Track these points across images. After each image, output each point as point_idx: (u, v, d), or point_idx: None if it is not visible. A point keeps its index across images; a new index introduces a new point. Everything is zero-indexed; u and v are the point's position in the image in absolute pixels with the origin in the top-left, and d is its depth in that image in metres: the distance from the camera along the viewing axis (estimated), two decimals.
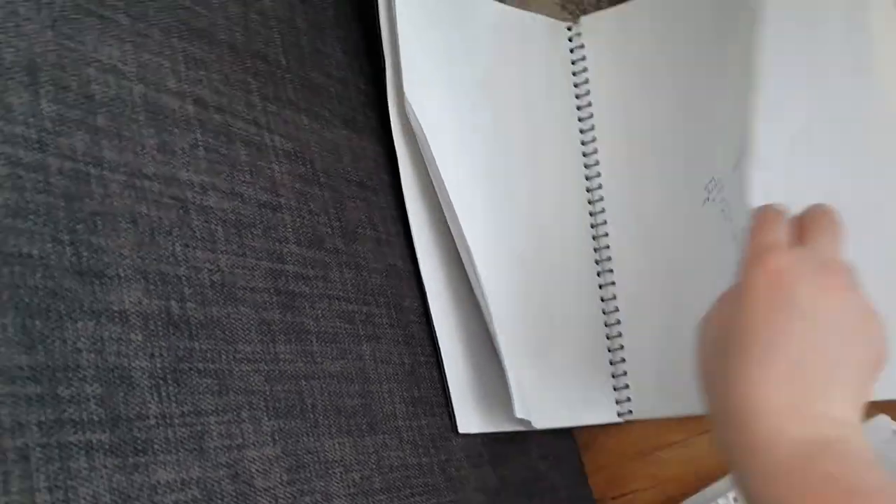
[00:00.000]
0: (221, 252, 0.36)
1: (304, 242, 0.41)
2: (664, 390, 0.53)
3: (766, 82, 0.48)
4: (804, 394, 0.36)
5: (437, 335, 0.47)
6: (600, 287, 0.56)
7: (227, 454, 0.32)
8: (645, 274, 0.55)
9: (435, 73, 0.52)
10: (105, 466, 0.28)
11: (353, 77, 0.49)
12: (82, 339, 0.29)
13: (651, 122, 0.57)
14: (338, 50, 0.49)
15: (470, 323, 0.49)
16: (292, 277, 0.39)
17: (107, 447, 0.28)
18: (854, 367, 0.37)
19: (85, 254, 0.30)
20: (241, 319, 0.35)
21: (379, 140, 0.50)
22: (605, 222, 0.57)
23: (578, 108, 0.59)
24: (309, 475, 0.36)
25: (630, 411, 0.54)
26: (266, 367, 0.36)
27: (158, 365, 0.31)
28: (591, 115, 0.59)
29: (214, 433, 0.32)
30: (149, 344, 0.31)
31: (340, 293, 0.42)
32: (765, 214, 0.42)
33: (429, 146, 0.48)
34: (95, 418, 0.28)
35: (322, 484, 0.36)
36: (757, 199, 0.44)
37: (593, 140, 0.58)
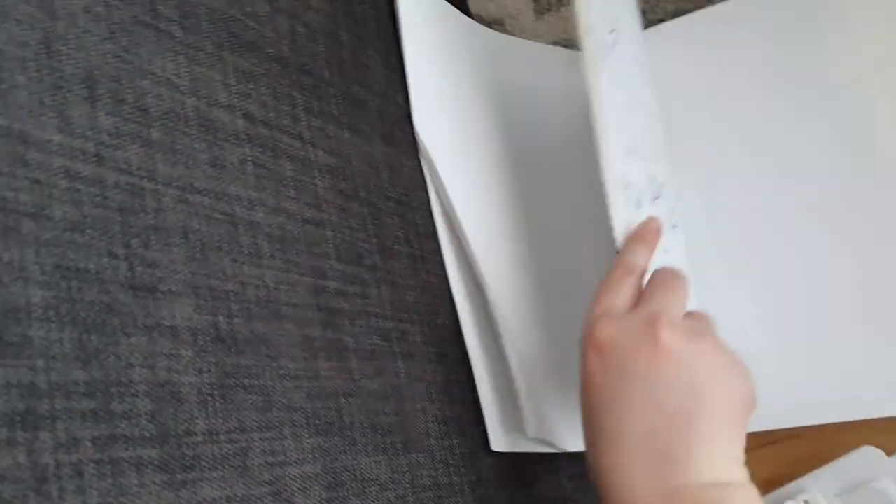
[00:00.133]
0: (267, 268, 0.36)
1: (343, 258, 0.41)
2: None
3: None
4: (662, 469, 0.35)
5: (469, 354, 0.47)
6: None
7: (269, 471, 0.32)
8: None
9: (443, 102, 0.52)
10: (154, 483, 0.28)
11: (392, 92, 0.49)
12: (135, 354, 0.29)
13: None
14: (378, 64, 0.49)
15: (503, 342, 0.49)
16: (333, 294, 0.39)
17: (156, 463, 0.28)
18: (719, 414, 0.36)
19: (139, 268, 0.30)
20: (284, 336, 0.35)
21: (415, 156, 0.50)
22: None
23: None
24: (346, 493, 0.36)
25: None
26: (308, 384, 0.36)
27: (206, 381, 0.31)
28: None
29: (258, 450, 0.32)
30: (198, 359, 0.31)
31: (378, 310, 0.42)
32: (608, 278, 0.41)
33: (438, 174, 0.49)
34: (146, 434, 0.28)
35: (359, 503, 0.36)
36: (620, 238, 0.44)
37: None
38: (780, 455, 0.56)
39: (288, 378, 0.35)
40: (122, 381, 0.28)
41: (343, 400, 0.37)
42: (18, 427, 0.25)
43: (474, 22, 0.59)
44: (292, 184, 0.39)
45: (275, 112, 0.39)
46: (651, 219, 0.44)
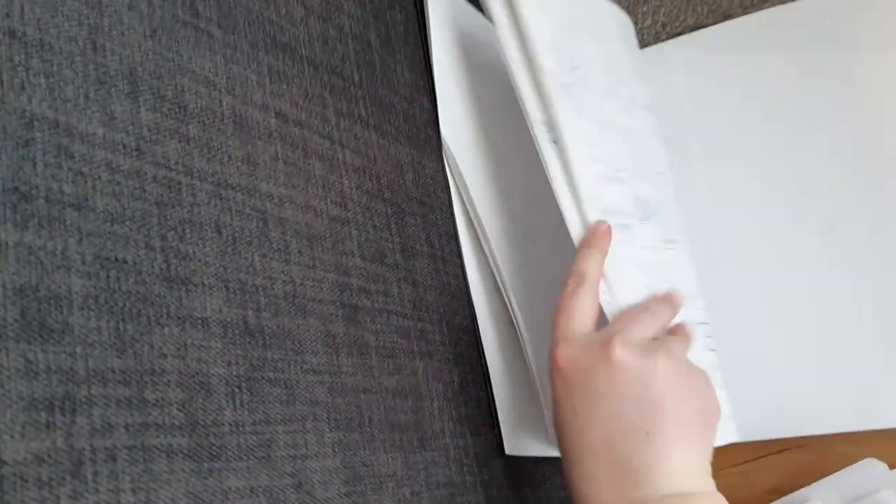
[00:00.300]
0: (294, 263, 0.36)
1: (367, 257, 0.41)
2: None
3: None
4: (626, 480, 0.36)
5: (486, 355, 0.48)
6: None
7: (291, 464, 0.33)
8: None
9: (469, 106, 0.53)
10: (183, 470, 0.29)
11: (418, 95, 0.50)
12: (168, 344, 0.30)
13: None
14: (405, 68, 0.50)
15: (519, 345, 0.50)
16: (356, 291, 0.40)
17: (185, 451, 0.29)
18: (675, 428, 0.36)
19: (174, 261, 0.31)
20: (308, 331, 0.36)
21: (438, 158, 0.51)
22: None
23: None
24: (364, 488, 0.36)
25: None
26: (330, 379, 0.36)
27: (234, 373, 0.32)
28: None
29: (281, 442, 0.33)
30: (227, 351, 0.32)
31: (399, 308, 0.43)
32: (561, 297, 0.42)
33: (462, 176, 0.50)
34: (176, 423, 0.29)
35: (376, 497, 0.37)
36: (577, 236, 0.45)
37: None
38: (786, 464, 0.57)
39: (311, 372, 0.36)
40: (156, 370, 0.29)
41: (363, 396, 0.38)
42: (58, 411, 0.25)
43: None
44: (321, 182, 0.39)
45: (306, 112, 0.40)
46: (600, 222, 0.44)
